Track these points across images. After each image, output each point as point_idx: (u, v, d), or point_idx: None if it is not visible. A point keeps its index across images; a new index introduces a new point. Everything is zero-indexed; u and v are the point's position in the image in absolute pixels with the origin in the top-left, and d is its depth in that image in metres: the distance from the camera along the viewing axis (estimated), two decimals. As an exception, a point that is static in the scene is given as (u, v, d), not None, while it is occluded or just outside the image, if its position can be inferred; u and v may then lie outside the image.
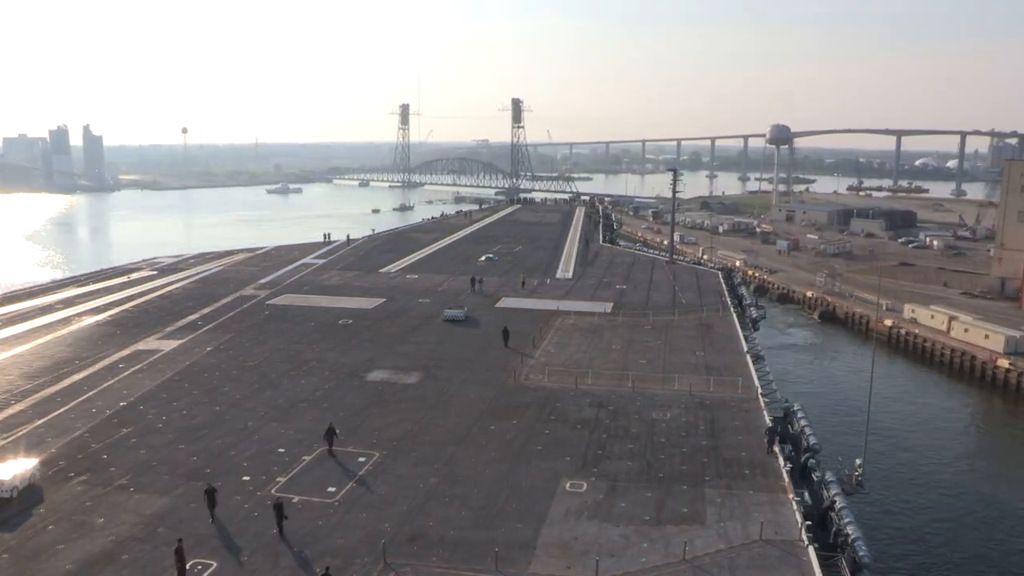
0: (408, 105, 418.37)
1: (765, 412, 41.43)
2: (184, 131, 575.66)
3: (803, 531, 28.45)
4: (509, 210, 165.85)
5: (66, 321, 61.21)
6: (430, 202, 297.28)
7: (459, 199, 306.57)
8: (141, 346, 54.17)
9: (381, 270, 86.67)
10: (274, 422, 40.18)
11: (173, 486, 32.60)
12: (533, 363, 50.77)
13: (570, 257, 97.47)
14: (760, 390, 44.89)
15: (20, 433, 38.18)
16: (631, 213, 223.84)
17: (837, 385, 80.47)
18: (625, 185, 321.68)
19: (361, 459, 35.52)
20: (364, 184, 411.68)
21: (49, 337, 56.35)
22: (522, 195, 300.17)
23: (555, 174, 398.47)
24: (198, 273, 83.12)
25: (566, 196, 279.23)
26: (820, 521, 31.57)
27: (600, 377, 47.51)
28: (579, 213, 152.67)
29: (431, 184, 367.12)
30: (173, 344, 54.82)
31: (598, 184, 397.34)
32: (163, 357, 51.67)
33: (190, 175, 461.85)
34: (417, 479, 33.49)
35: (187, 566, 25.91)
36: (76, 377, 47.12)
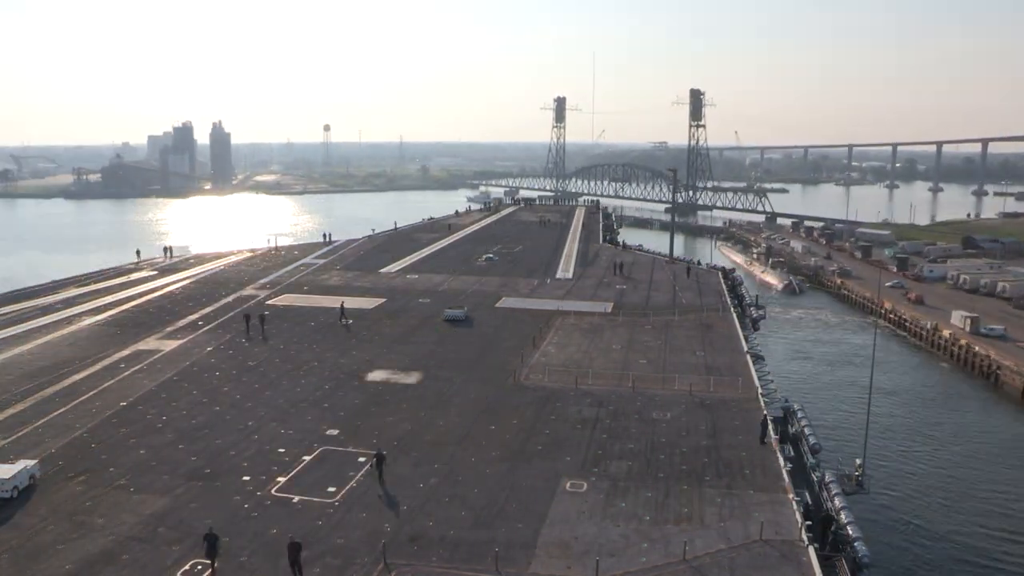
0: (564, 99, 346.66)
1: (765, 412, 41.43)
2: (326, 128, 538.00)
3: (803, 531, 28.44)
4: (510, 210, 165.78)
5: (66, 321, 61.20)
6: None
7: (617, 217, 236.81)
8: (141, 346, 54.16)
9: (381, 270, 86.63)
10: (274, 422, 40.18)
11: (173, 486, 32.60)
12: (533, 363, 50.76)
13: (570, 257, 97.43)
14: (760, 390, 44.90)
15: (20, 433, 38.17)
16: (857, 254, 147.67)
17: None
18: (827, 200, 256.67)
19: (361, 459, 35.53)
20: (510, 193, 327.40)
21: (49, 337, 56.34)
22: (699, 213, 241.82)
23: (742, 184, 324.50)
24: (198, 273, 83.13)
25: (760, 218, 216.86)
26: (821, 521, 31.59)
27: (600, 377, 47.49)
28: (579, 213, 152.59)
29: (589, 195, 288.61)
30: (173, 344, 54.82)
31: (794, 198, 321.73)
32: (163, 357, 51.66)
33: (325, 177, 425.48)
34: (417, 479, 33.49)
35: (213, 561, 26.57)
36: (76, 377, 47.11)
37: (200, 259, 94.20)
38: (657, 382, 46.75)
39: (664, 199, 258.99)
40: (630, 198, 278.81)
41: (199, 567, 26.43)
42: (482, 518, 30.08)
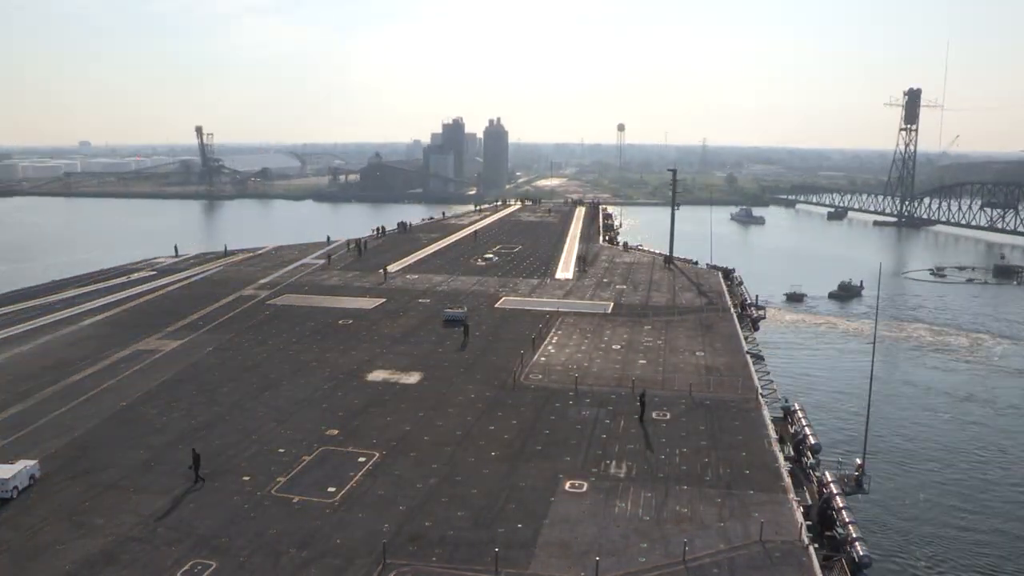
0: (919, 91, 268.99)
1: (765, 412, 41.45)
2: (620, 128, 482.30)
3: (803, 531, 28.45)
4: (509, 210, 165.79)
5: (67, 321, 61.21)
6: (938, 271, 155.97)
7: (1002, 270, 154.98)
8: (141, 346, 54.17)
9: (381, 271, 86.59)
10: (274, 422, 40.19)
11: (173, 486, 32.60)
12: (533, 363, 50.76)
13: (570, 257, 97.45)
14: (760, 390, 44.90)
15: (20, 433, 38.18)
16: None
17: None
18: None
19: (361, 459, 35.54)
20: (837, 215, 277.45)
21: (50, 337, 56.35)
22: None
23: None
24: (198, 273, 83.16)
25: None
26: (820, 521, 31.60)
27: (600, 377, 47.49)
28: (579, 213, 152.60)
29: (944, 224, 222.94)
30: (173, 344, 54.82)
31: None
32: (163, 357, 51.66)
33: (614, 183, 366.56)
34: (417, 479, 33.49)
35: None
36: (76, 377, 47.12)
37: (201, 259, 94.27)
38: (657, 382, 46.76)
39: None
40: (1009, 232, 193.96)
41: (199, 567, 26.43)
42: (482, 518, 30.08)
